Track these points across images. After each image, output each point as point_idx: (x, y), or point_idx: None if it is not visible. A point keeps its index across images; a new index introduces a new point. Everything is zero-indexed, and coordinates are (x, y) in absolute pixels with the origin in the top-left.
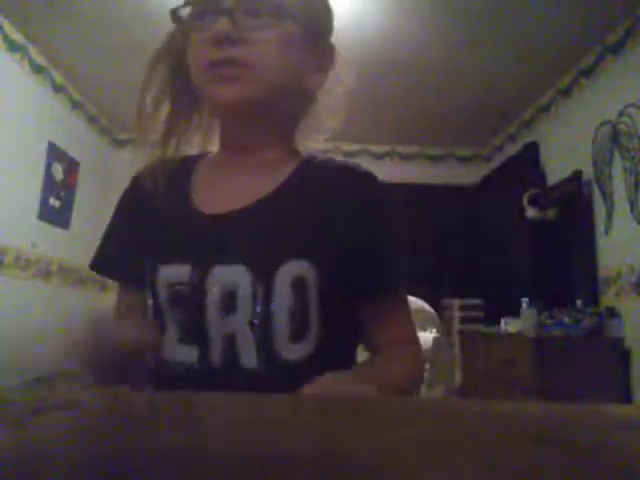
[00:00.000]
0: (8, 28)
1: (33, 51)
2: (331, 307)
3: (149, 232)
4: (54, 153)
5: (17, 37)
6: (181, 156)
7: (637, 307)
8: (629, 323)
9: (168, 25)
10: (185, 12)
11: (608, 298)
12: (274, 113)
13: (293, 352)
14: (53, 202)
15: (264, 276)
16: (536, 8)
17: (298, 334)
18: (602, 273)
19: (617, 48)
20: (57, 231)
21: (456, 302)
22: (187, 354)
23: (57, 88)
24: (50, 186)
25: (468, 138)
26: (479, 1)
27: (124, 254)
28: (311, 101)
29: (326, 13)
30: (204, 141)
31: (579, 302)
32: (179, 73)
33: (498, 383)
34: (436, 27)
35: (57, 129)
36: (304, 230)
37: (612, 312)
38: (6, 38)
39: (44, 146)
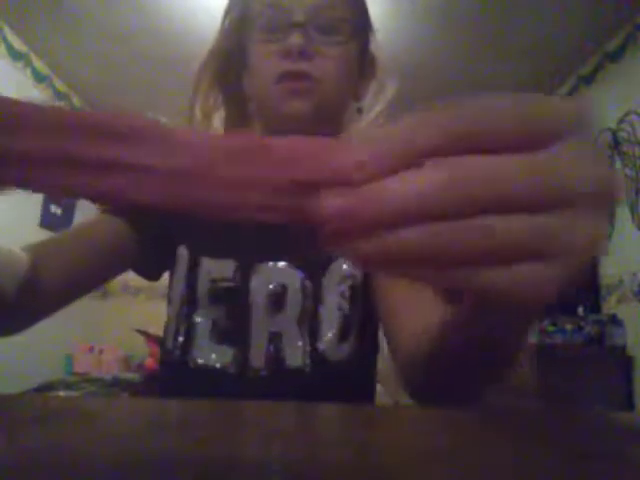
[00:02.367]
0: (11, 37)
1: (36, 60)
2: (367, 304)
3: (188, 219)
4: None
5: (20, 46)
6: None
7: (639, 314)
8: (631, 331)
9: (170, 35)
10: (250, 16)
11: (610, 305)
12: (331, 123)
13: (338, 352)
14: (55, 209)
15: (314, 276)
16: (536, 16)
17: (344, 334)
18: (603, 280)
19: (617, 55)
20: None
21: None
22: (220, 354)
23: (59, 96)
24: None
25: None
26: (479, 9)
27: (156, 221)
28: (360, 111)
29: (370, 23)
30: None
31: (580, 309)
32: (227, 81)
33: (500, 391)
34: (437, 35)
35: None
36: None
37: (614, 320)
38: (9, 47)
39: None
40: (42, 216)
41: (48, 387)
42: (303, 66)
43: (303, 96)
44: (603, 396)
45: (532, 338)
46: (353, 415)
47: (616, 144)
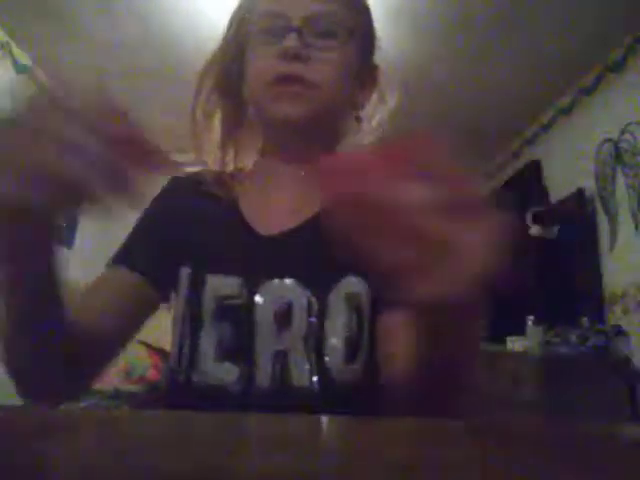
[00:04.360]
0: (15, 50)
1: (39, 72)
2: (376, 325)
3: (191, 237)
4: None
5: (24, 59)
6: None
7: None
8: (636, 342)
9: (172, 49)
10: (251, 23)
11: (615, 316)
12: (327, 130)
13: (345, 372)
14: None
15: (320, 293)
16: (537, 28)
17: (351, 354)
18: (607, 291)
19: (618, 66)
20: (61, 251)
21: None
22: (225, 372)
23: None
24: None
25: (470, 156)
26: (481, 21)
27: (154, 251)
28: (358, 120)
29: (373, 33)
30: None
31: (585, 320)
32: (227, 86)
33: (504, 402)
34: (438, 46)
35: None
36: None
37: (619, 331)
38: (13, 60)
39: None
40: None
41: None
42: (297, 69)
43: (295, 100)
44: (607, 408)
45: (537, 349)
46: (357, 427)
47: (618, 155)
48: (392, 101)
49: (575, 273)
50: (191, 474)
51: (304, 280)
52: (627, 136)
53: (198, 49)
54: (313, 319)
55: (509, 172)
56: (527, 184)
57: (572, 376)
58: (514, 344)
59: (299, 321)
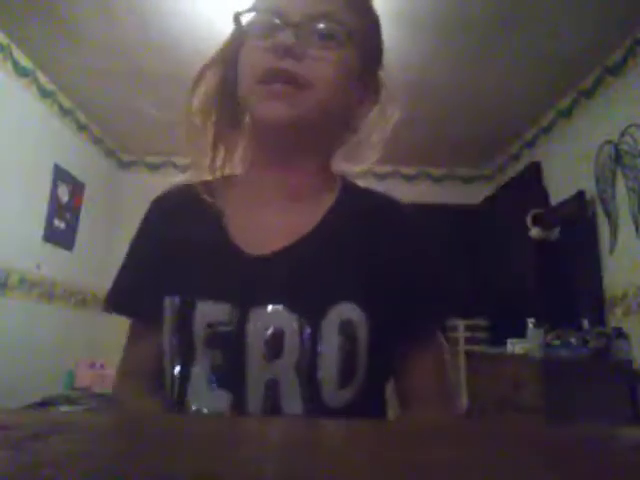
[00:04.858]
0: (17, 54)
1: (41, 76)
2: (375, 352)
3: (179, 264)
4: (60, 175)
5: (26, 62)
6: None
7: None
8: (637, 344)
9: (171, 50)
10: (248, 18)
11: (615, 318)
12: (318, 138)
13: (337, 399)
14: (58, 224)
15: (312, 320)
16: (536, 30)
17: (344, 381)
18: (608, 293)
19: (617, 69)
20: (61, 253)
21: (461, 322)
22: (217, 400)
23: (64, 111)
24: (55, 208)
25: (470, 158)
26: (480, 24)
27: (149, 289)
28: (354, 130)
29: (379, 47)
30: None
31: (585, 322)
32: (224, 85)
33: (505, 405)
34: (439, 50)
35: (63, 151)
36: (351, 270)
37: (619, 333)
38: (15, 63)
39: (50, 168)
40: (46, 230)
41: (50, 402)
42: (289, 65)
43: (284, 99)
44: (609, 410)
45: (537, 352)
46: (353, 430)
47: (618, 157)
48: (393, 117)
49: (575, 275)
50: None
51: (295, 306)
52: (627, 138)
53: (197, 51)
54: (305, 347)
55: (509, 174)
56: (527, 186)
57: (573, 378)
58: (515, 346)
59: (290, 349)
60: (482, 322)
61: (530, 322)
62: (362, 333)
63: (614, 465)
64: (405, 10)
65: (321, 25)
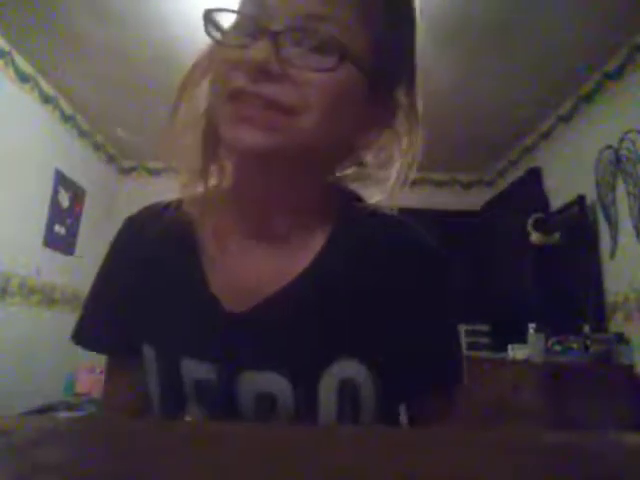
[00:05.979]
0: (19, 60)
1: (42, 82)
2: (382, 410)
3: (153, 306)
4: (61, 180)
5: (27, 68)
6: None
7: None
8: (638, 349)
9: (172, 57)
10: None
11: (616, 323)
12: (306, 169)
13: None
14: (58, 229)
15: (306, 383)
16: (536, 36)
17: None
18: (609, 298)
19: (616, 75)
20: (62, 258)
21: (462, 328)
22: None
23: (65, 117)
24: (56, 213)
25: (470, 163)
26: (481, 29)
27: (119, 326)
28: (363, 165)
29: (404, 60)
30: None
31: (586, 327)
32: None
33: (506, 410)
34: (439, 54)
35: (64, 157)
36: (351, 322)
37: (621, 338)
38: (17, 69)
39: (51, 173)
40: (46, 236)
41: (49, 408)
42: (266, 90)
43: (259, 123)
44: (610, 415)
45: (538, 357)
46: (351, 439)
47: (618, 162)
48: (414, 146)
49: (576, 280)
50: None
51: (286, 370)
52: (627, 143)
53: None
54: (300, 412)
55: (510, 179)
56: (528, 191)
57: (574, 383)
58: (515, 352)
59: (284, 415)
60: (483, 327)
61: (531, 327)
62: (364, 392)
63: (614, 471)
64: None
65: (309, 35)
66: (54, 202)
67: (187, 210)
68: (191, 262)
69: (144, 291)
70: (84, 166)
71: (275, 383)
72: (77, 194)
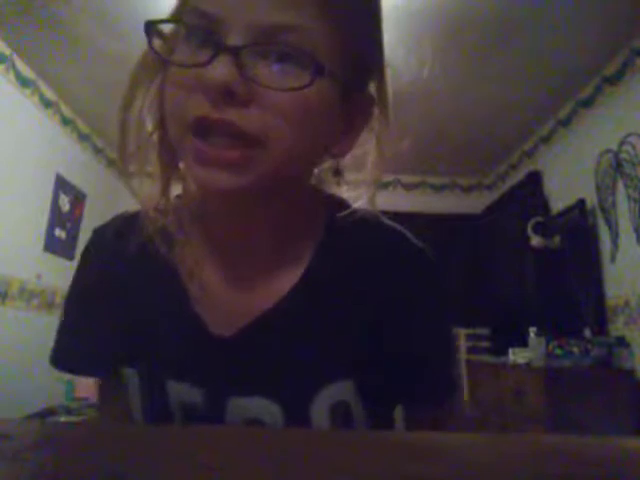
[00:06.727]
0: (20, 64)
1: (43, 86)
2: (375, 424)
3: (136, 326)
4: (61, 185)
5: (28, 73)
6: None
7: None
8: (639, 352)
9: None
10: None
11: (617, 327)
12: (283, 187)
13: None
14: (59, 233)
15: (297, 408)
16: (535, 41)
17: None
18: (610, 302)
19: (615, 79)
20: (62, 262)
21: (462, 332)
22: None
23: (66, 122)
24: (56, 217)
25: (470, 167)
26: (480, 34)
27: (97, 347)
28: (338, 174)
29: (372, 56)
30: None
31: (587, 331)
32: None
33: (507, 415)
34: (439, 59)
35: (65, 161)
36: (340, 342)
37: (622, 342)
38: (18, 74)
39: (51, 178)
40: (46, 240)
41: (49, 412)
42: (228, 115)
43: (227, 167)
44: (611, 419)
45: (539, 361)
46: (348, 442)
47: (618, 165)
48: (385, 137)
49: (577, 284)
50: None
51: (276, 396)
52: (627, 147)
53: None
54: None
55: (510, 183)
56: (528, 195)
57: (575, 387)
58: (516, 356)
59: None
60: (483, 331)
61: (532, 331)
62: (358, 413)
63: (615, 475)
64: (402, 19)
65: (275, 48)
66: (54, 206)
67: (160, 225)
68: (171, 277)
69: (123, 311)
70: (84, 170)
71: (264, 408)
72: (77, 198)
